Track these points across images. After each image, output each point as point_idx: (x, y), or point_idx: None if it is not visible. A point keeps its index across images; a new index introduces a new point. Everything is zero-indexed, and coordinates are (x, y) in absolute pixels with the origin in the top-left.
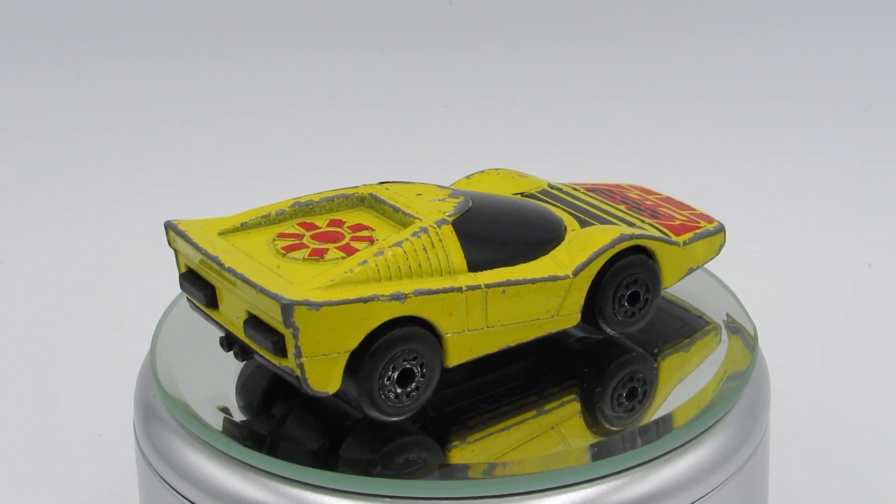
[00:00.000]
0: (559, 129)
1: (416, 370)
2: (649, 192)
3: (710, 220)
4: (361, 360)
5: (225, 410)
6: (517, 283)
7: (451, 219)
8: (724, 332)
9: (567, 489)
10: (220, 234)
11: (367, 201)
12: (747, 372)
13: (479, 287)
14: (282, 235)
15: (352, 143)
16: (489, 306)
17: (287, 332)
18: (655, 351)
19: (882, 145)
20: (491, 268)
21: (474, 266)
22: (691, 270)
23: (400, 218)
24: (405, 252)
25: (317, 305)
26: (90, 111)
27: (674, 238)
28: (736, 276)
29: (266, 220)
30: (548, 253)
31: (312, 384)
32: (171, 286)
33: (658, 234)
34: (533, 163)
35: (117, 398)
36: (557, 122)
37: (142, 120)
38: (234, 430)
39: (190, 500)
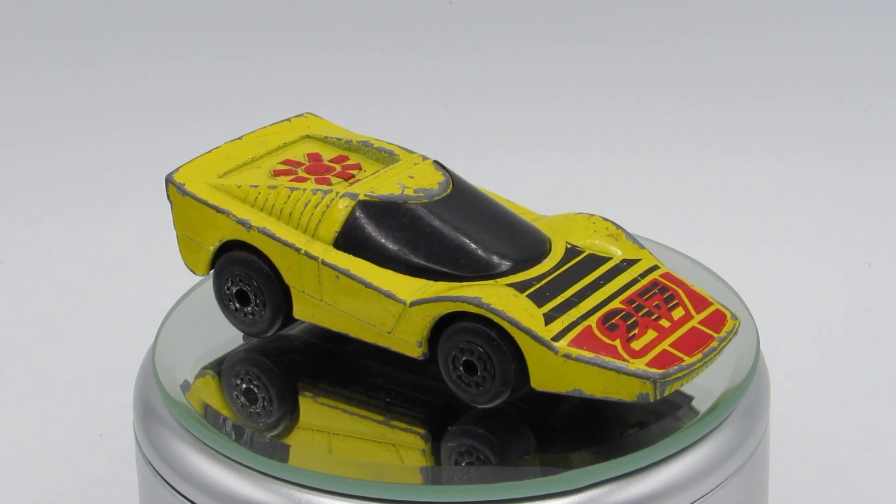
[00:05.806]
0: (559, 129)
1: (251, 297)
2: (702, 320)
3: (665, 365)
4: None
5: (225, 411)
6: (350, 276)
7: (364, 198)
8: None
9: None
10: (306, 137)
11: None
12: (748, 372)
13: (315, 258)
14: (307, 154)
15: None
16: (324, 283)
17: None
18: None
19: (882, 145)
20: (357, 256)
21: (344, 245)
22: (580, 393)
23: None
24: (289, 197)
25: (183, 192)
26: (90, 111)
27: (556, 343)
28: (736, 276)
29: (326, 141)
30: (471, 282)
31: (183, 257)
32: (173, 286)
33: (545, 332)
34: (533, 163)
35: (117, 398)
36: (557, 122)
37: (142, 120)
38: (233, 432)
39: (190, 500)
